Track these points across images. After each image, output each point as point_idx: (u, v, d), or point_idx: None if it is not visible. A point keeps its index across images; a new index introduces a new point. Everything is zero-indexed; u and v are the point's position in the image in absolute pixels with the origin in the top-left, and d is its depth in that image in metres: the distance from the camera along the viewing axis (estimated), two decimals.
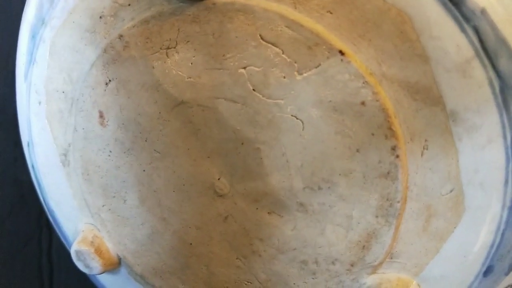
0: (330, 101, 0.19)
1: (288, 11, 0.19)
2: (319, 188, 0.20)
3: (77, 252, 0.27)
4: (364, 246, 0.21)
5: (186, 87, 0.21)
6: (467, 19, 0.17)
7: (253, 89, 0.20)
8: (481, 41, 0.17)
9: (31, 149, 0.28)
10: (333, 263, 0.22)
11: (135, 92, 0.22)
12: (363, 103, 0.19)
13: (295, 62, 0.19)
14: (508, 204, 0.19)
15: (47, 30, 0.24)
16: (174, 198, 0.23)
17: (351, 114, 0.19)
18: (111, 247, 0.26)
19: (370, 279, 0.21)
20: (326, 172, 0.20)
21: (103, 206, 0.26)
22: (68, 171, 0.26)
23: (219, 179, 0.22)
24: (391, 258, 0.21)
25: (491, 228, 0.20)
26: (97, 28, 0.22)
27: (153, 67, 0.21)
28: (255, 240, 0.23)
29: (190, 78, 0.21)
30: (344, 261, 0.21)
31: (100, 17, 0.22)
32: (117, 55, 0.22)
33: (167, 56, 0.21)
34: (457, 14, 0.17)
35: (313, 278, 0.22)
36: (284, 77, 0.19)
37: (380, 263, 0.21)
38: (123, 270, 0.28)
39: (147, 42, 0.21)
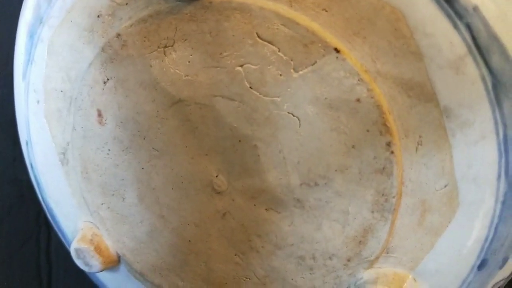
0: (326, 98, 0.19)
1: (284, 9, 0.19)
2: (316, 184, 0.21)
3: (76, 250, 0.27)
4: (360, 241, 0.21)
5: (184, 85, 0.21)
6: (460, 16, 0.18)
7: (250, 87, 0.20)
8: (473, 38, 0.18)
9: (30, 148, 0.28)
10: (330, 258, 0.22)
11: (133, 90, 0.22)
12: (358, 100, 0.19)
13: (291, 60, 0.19)
14: (500, 198, 0.20)
15: (45, 30, 0.24)
16: (172, 195, 0.24)
17: (347, 111, 0.19)
18: (111, 245, 0.27)
19: (366, 274, 0.22)
20: (323, 168, 0.20)
21: (102, 204, 0.26)
22: (67, 170, 0.26)
23: (217, 176, 0.23)
24: (387, 253, 0.21)
25: (485, 223, 0.20)
26: (95, 27, 0.22)
27: (151, 66, 0.21)
28: (253, 236, 0.23)
29: (187, 76, 0.21)
30: (341, 256, 0.22)
31: (98, 16, 0.22)
32: (115, 54, 0.22)
33: (164, 54, 0.21)
34: (450, 11, 0.18)
35: (310, 274, 0.23)
36: (281, 75, 0.19)
37: (377, 258, 0.21)
38: (122, 268, 0.28)
39: (144, 41, 0.21)
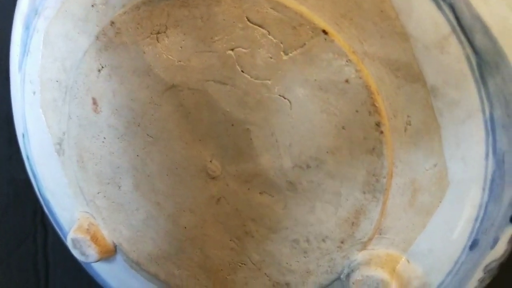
0: (315, 80, 0.20)
1: None
2: (308, 167, 0.21)
3: (73, 240, 0.27)
4: (353, 223, 0.21)
5: (177, 70, 0.22)
6: None
7: (242, 70, 0.20)
8: (457, 18, 0.18)
9: (26, 140, 0.28)
10: (323, 240, 0.22)
11: (127, 77, 0.23)
12: (347, 81, 0.19)
13: (281, 43, 0.19)
14: (489, 177, 0.20)
15: (41, 20, 0.24)
16: (167, 182, 0.24)
17: (336, 92, 0.19)
18: (107, 235, 0.27)
19: (360, 256, 0.22)
20: (314, 150, 0.21)
21: (98, 193, 0.26)
22: (63, 160, 0.27)
23: (211, 161, 0.23)
24: (380, 234, 0.22)
25: (475, 202, 0.20)
26: (89, 17, 0.23)
27: (144, 52, 0.22)
28: (247, 220, 0.23)
29: (180, 61, 0.21)
30: (335, 238, 0.22)
31: (92, 5, 0.22)
32: (109, 42, 0.22)
33: (157, 41, 0.21)
34: None
35: (304, 257, 0.23)
36: (271, 58, 0.20)
37: (370, 239, 0.22)
38: (119, 258, 0.28)
39: (138, 28, 0.21)
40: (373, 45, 0.19)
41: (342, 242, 0.22)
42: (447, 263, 0.22)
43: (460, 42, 0.18)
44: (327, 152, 0.21)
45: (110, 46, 0.22)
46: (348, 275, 0.22)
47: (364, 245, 0.22)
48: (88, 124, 0.24)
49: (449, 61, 0.18)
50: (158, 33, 0.21)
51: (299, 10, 0.19)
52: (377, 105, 0.19)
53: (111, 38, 0.22)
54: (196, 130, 0.23)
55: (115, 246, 0.27)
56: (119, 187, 0.25)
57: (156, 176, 0.24)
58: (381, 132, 0.20)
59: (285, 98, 0.20)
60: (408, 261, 0.22)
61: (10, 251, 0.43)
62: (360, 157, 0.20)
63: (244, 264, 0.24)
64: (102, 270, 0.30)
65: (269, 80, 0.20)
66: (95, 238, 0.27)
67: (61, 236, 0.31)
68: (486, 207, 0.20)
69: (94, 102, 0.24)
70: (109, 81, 0.23)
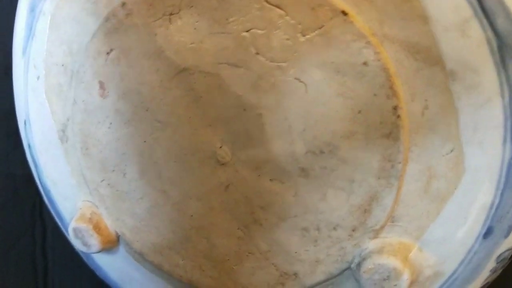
0: (333, 62, 0.19)
1: None
2: (321, 152, 0.21)
3: (75, 229, 0.26)
4: (365, 210, 0.21)
5: (189, 53, 0.21)
6: None
7: (256, 53, 0.20)
8: (478, 1, 0.18)
9: (28, 127, 0.28)
10: (334, 228, 0.22)
11: (137, 60, 0.22)
12: (365, 63, 0.19)
13: (299, 24, 0.19)
14: (506, 163, 0.20)
15: (48, 3, 0.24)
16: (174, 169, 0.24)
17: (353, 75, 0.19)
18: (110, 224, 0.26)
19: (372, 244, 0.22)
20: (328, 135, 0.20)
21: (102, 181, 0.25)
22: (66, 148, 0.26)
23: (220, 147, 0.22)
24: (393, 222, 0.21)
25: (490, 189, 0.20)
26: None
27: (156, 34, 0.21)
28: (256, 208, 0.23)
29: (192, 44, 0.21)
30: (346, 226, 0.22)
31: None
32: (119, 23, 0.22)
33: (170, 22, 0.21)
34: None
35: (314, 246, 0.22)
36: (288, 39, 0.19)
37: (382, 227, 0.21)
38: (121, 249, 0.27)
39: (149, 9, 0.21)
40: (393, 27, 0.19)
41: (353, 230, 0.22)
42: (460, 252, 0.22)
43: (482, 25, 0.18)
44: (341, 137, 0.20)
45: (120, 28, 0.22)
46: (359, 264, 0.22)
47: (376, 233, 0.22)
48: (94, 109, 0.24)
49: (469, 45, 0.18)
50: (171, 14, 0.21)
51: None
52: (395, 88, 0.19)
53: (121, 20, 0.22)
54: (206, 115, 0.22)
55: (117, 237, 0.27)
56: (124, 174, 0.25)
57: (163, 163, 0.24)
58: (398, 116, 0.19)
59: (300, 81, 0.20)
60: (420, 250, 0.22)
61: (8, 247, 0.42)
62: (376, 142, 0.20)
63: (252, 254, 0.24)
64: (103, 263, 0.29)
65: (285, 62, 0.20)
66: (97, 228, 0.26)
67: (61, 227, 0.30)
68: (502, 194, 0.20)
69: (101, 86, 0.23)
70: (118, 64, 0.22)
